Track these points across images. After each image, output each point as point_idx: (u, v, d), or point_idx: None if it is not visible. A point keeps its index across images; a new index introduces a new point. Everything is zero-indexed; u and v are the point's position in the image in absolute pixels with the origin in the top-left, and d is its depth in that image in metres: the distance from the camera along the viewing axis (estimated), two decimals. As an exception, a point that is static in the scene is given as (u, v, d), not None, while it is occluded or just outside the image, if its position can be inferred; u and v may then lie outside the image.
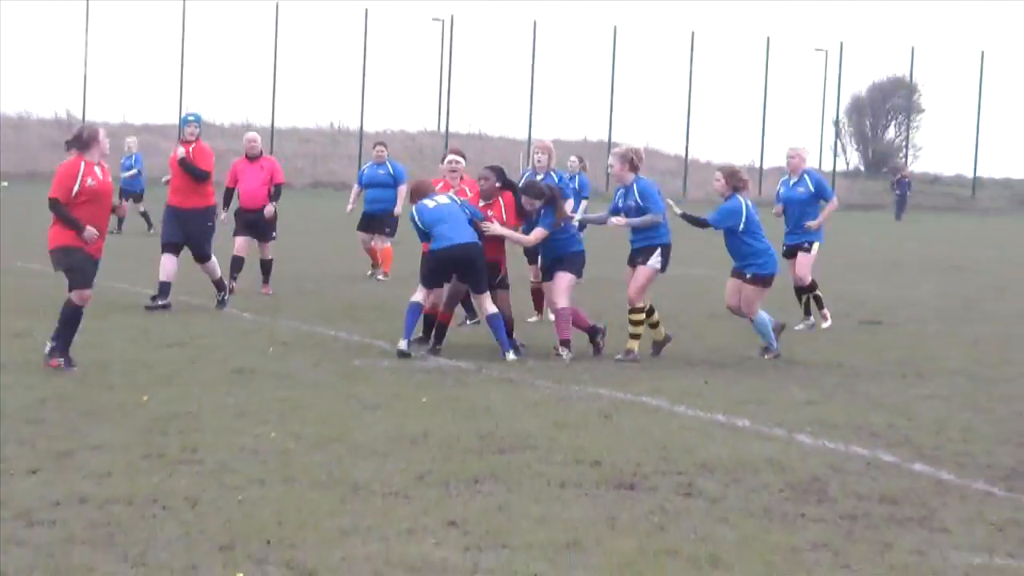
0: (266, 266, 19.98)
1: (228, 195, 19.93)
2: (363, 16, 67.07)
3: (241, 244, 19.77)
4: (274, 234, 20.00)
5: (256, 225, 19.82)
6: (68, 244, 12.57)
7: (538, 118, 74.19)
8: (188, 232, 17.79)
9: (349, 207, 23.95)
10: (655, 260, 14.50)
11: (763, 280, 14.81)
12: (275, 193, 19.86)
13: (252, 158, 19.97)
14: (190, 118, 18.42)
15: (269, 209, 19.74)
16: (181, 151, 17.93)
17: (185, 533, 7.29)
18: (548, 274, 14.71)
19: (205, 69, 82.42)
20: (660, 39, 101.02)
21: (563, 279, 14.50)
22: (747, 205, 14.79)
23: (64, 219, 12.51)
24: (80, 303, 12.60)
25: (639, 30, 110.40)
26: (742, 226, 14.69)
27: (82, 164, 12.62)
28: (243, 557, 6.91)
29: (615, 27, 72.68)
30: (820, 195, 17.94)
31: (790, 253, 17.88)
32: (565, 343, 14.30)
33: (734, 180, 14.88)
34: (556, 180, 17.47)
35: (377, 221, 23.02)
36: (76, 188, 12.51)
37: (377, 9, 78.40)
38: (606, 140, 69.55)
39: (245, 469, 8.79)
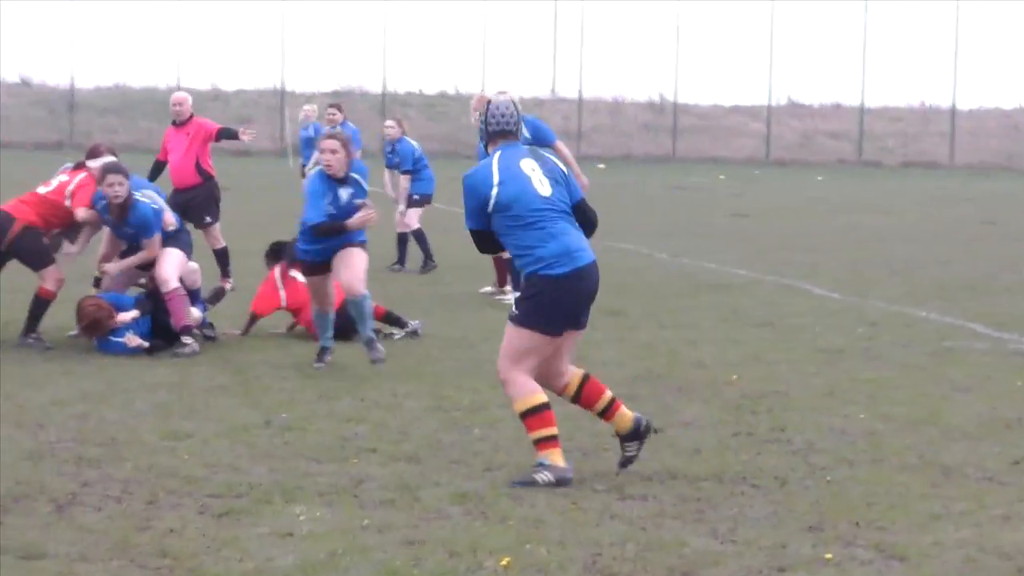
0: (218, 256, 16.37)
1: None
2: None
3: None
4: (208, 219, 16.34)
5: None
6: None
7: None
8: None
9: None
10: None
11: None
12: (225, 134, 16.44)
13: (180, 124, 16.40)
14: None
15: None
16: None
17: (774, 512, 7.34)
18: None
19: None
20: None
21: (167, 254, 12.37)
22: None
23: None
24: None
25: None
26: None
27: None
28: (831, 538, 6.89)
29: None
30: None
31: None
32: (183, 331, 12.07)
33: None
34: None
35: None
36: None
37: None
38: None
39: (833, 449, 8.76)
